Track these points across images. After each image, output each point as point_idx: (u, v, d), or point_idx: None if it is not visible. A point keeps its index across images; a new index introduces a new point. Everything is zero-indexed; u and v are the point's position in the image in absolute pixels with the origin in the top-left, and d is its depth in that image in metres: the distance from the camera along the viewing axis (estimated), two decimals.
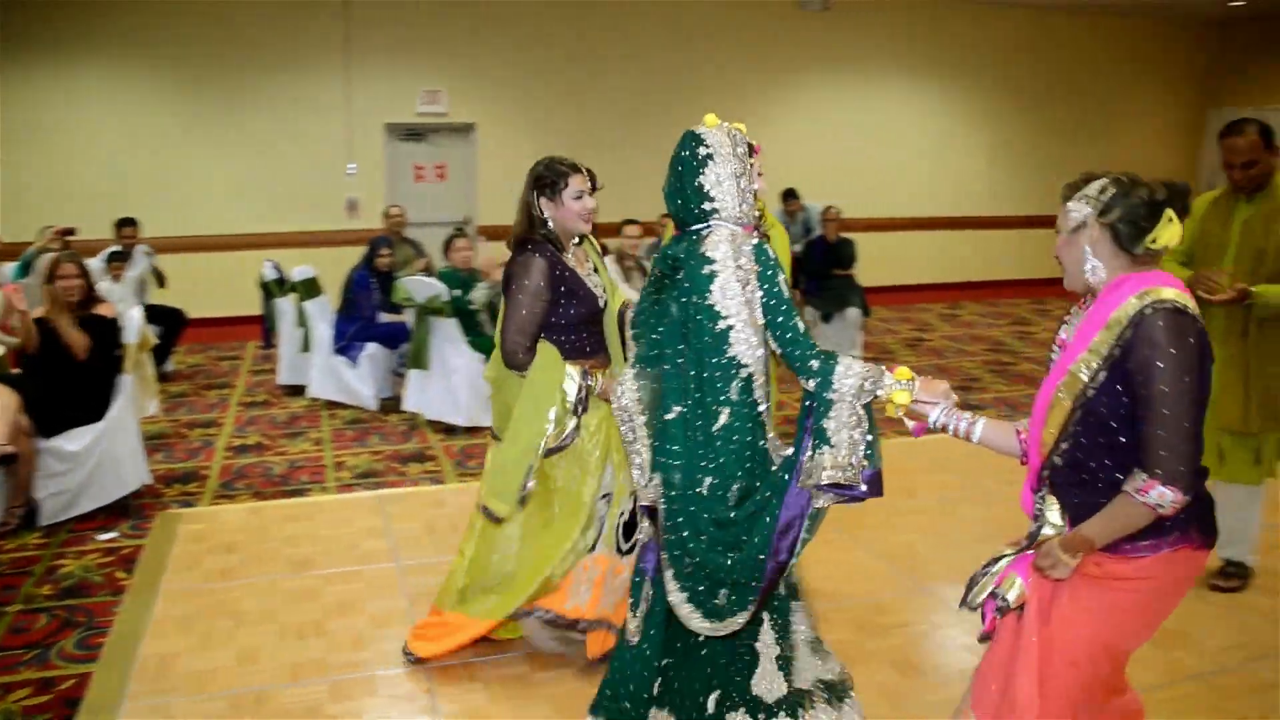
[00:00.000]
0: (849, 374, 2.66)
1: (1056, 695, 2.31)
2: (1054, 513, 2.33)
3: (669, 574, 2.81)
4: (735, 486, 2.75)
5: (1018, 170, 13.35)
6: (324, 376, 7.59)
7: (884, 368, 2.70)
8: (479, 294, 6.92)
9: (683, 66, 11.58)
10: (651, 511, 2.83)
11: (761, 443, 2.79)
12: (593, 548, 3.58)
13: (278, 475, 6.02)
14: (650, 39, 11.41)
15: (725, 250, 2.71)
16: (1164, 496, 2.14)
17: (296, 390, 7.86)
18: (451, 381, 6.79)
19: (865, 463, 2.68)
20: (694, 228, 2.83)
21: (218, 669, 3.77)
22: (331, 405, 7.54)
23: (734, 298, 2.68)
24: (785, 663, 2.94)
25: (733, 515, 2.74)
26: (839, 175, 12.12)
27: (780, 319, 2.71)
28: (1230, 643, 3.98)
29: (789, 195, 10.18)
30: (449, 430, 6.84)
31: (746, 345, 2.69)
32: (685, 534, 2.75)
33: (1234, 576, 4.42)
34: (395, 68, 10.49)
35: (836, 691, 3.04)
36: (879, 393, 2.67)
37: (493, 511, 3.58)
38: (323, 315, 7.76)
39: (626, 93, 11.37)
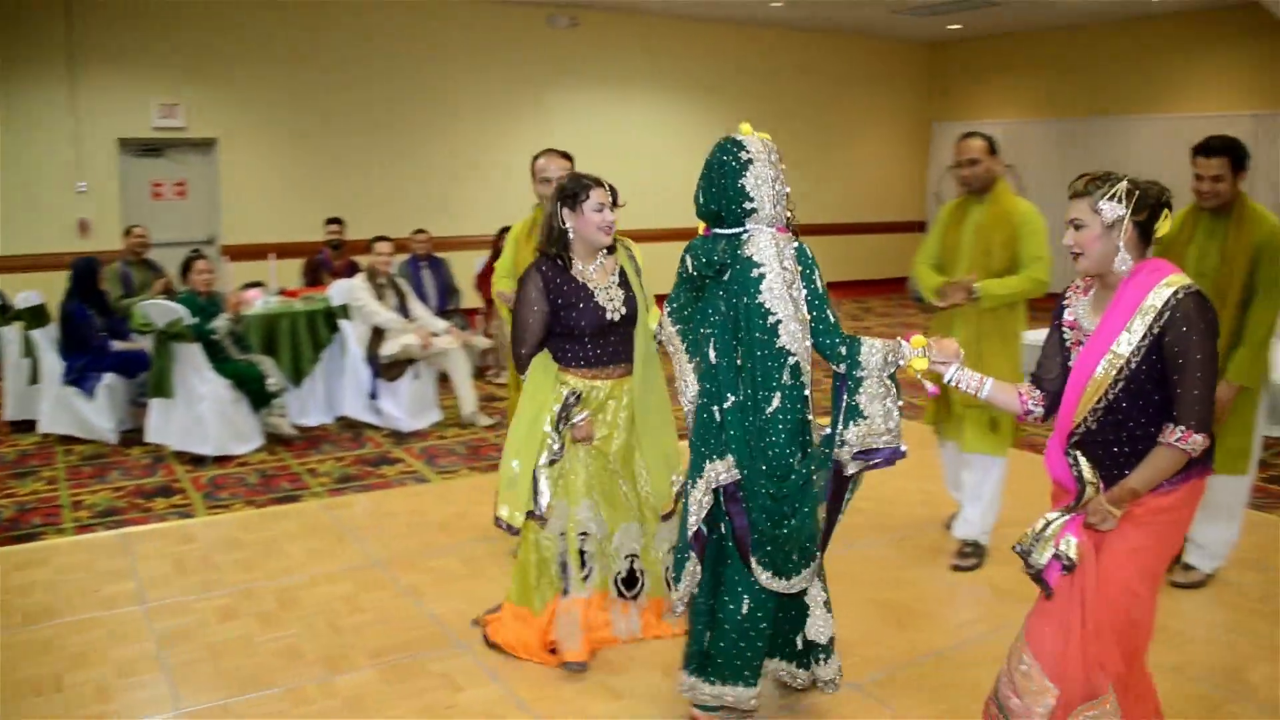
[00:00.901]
0: (873, 352, 3.11)
1: (1128, 618, 2.75)
2: (1088, 469, 2.72)
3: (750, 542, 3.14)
4: (788, 463, 3.08)
5: None
6: (56, 410, 7.13)
7: (900, 339, 3.11)
8: (220, 324, 6.68)
9: (435, 80, 11.52)
10: (730, 490, 3.13)
11: (808, 421, 3.14)
12: (565, 590, 3.84)
13: (6, 519, 5.62)
14: (401, 52, 11.29)
15: (770, 253, 3.08)
16: (1196, 442, 2.62)
17: (25, 426, 7.35)
18: (198, 410, 6.53)
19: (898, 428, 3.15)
20: (732, 230, 3.16)
21: None
22: (66, 440, 7.10)
23: (780, 296, 3.05)
24: (829, 606, 3.37)
25: (785, 490, 3.07)
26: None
27: (817, 313, 3.13)
28: (971, 617, 4.32)
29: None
30: (197, 461, 6.58)
31: (792, 337, 3.06)
32: (750, 506, 3.10)
33: (971, 555, 4.83)
34: (127, 79, 9.95)
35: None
36: (900, 362, 3.10)
37: (509, 524, 3.78)
38: (52, 344, 7.28)
39: (377, 107, 11.20)
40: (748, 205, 3.12)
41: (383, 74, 11.21)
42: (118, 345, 7.29)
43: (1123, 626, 2.75)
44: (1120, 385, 2.69)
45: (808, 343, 3.11)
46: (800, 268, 3.13)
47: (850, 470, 3.17)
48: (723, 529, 3.23)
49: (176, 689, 3.75)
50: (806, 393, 3.13)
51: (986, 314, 4.54)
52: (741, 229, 3.15)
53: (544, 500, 3.71)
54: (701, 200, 3.24)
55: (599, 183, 3.74)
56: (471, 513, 5.62)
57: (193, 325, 6.53)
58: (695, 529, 3.20)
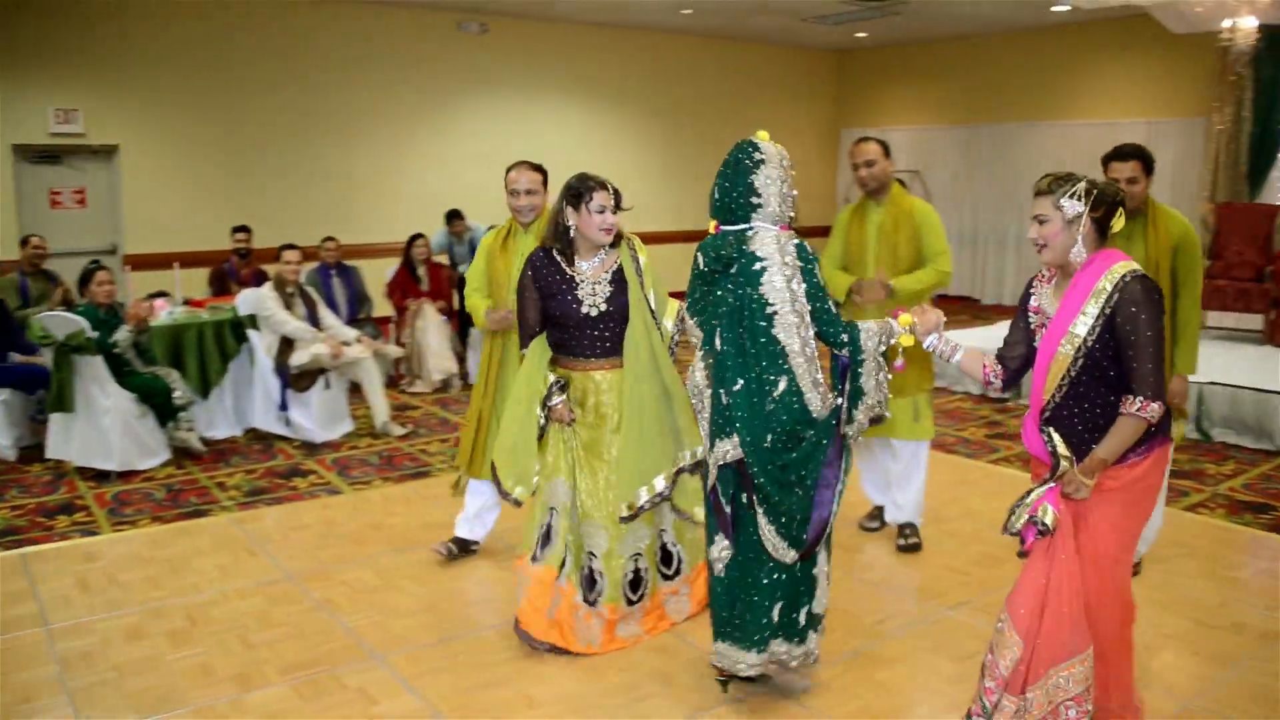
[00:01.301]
0: (869, 336, 3.40)
1: (1112, 583, 3.02)
2: (1060, 443, 2.97)
3: (760, 514, 3.37)
4: (796, 434, 3.36)
5: (677, 188, 14.01)
6: None
7: (889, 319, 3.42)
8: (121, 336, 6.51)
9: (343, 86, 11.37)
10: (738, 467, 3.38)
11: (815, 400, 3.37)
12: (534, 557, 4.04)
13: None
14: (309, 58, 11.13)
15: (772, 249, 3.34)
16: (1154, 410, 2.87)
17: None
18: (101, 424, 6.36)
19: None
20: (738, 226, 3.43)
21: None
22: None
23: (780, 289, 3.31)
24: (828, 580, 3.65)
25: (795, 456, 3.34)
26: (503, 195, 12.24)
27: (817, 305, 3.37)
28: (884, 617, 4.39)
29: (453, 216, 10.18)
30: (101, 476, 6.41)
31: (786, 328, 3.31)
32: (762, 480, 3.33)
33: (913, 535, 5.15)
34: (21, 84, 9.64)
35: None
36: (891, 340, 3.41)
37: (513, 496, 4.08)
38: None
39: (285, 113, 11.03)
40: (754, 201, 3.41)
41: (291, 80, 11.04)
42: (16, 358, 7.08)
43: (1113, 591, 3.03)
44: (1080, 363, 2.94)
45: (808, 332, 3.35)
46: (800, 263, 3.36)
47: (851, 437, 3.46)
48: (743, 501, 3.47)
49: (80, 713, 3.66)
50: (818, 375, 3.38)
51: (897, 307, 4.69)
52: (748, 225, 3.42)
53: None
54: (716, 196, 3.51)
55: (603, 185, 3.91)
56: (385, 524, 5.57)
57: (94, 338, 6.36)
58: (722, 511, 3.45)
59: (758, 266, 3.33)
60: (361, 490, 6.22)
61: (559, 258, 3.95)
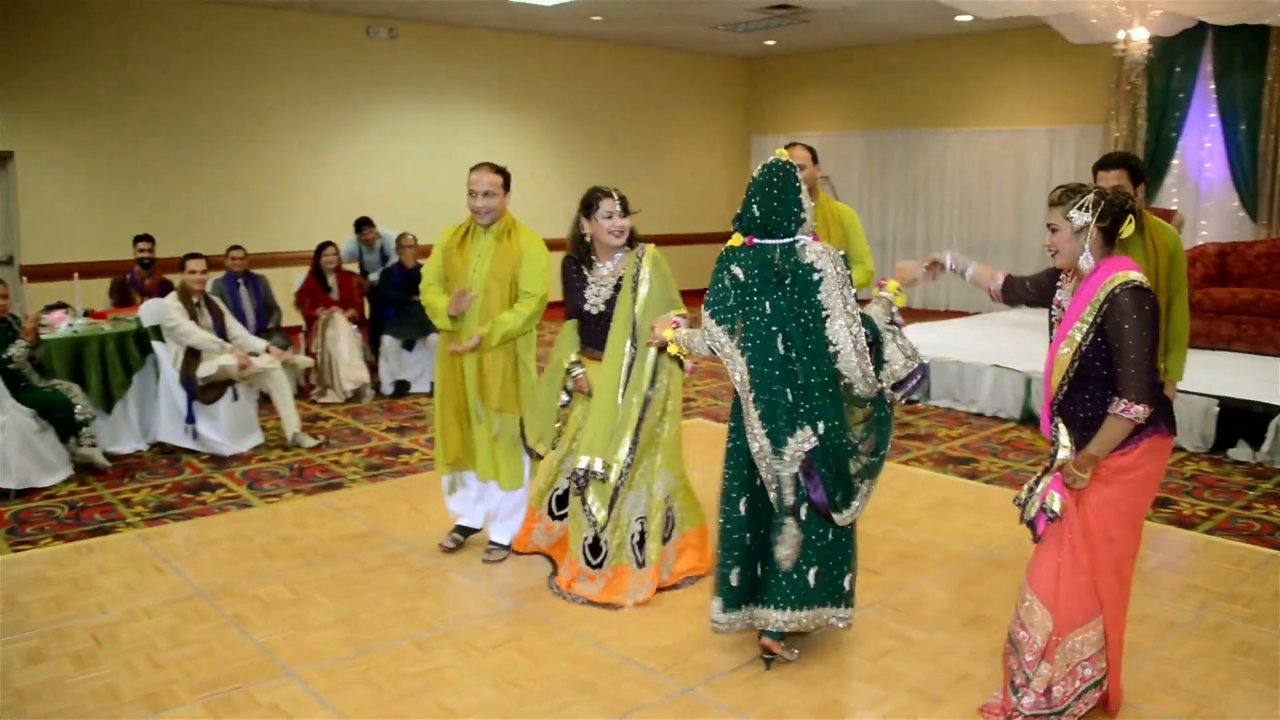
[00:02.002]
0: (876, 317, 3.79)
1: (1109, 559, 3.33)
2: (1064, 435, 3.34)
3: (828, 494, 3.71)
4: (858, 413, 3.81)
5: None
6: None
7: (881, 293, 3.88)
8: (16, 351, 6.31)
9: (251, 90, 11.19)
10: (806, 462, 3.69)
11: (863, 387, 3.72)
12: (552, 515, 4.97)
13: None
14: (214, 62, 10.92)
15: (826, 261, 3.66)
16: (1138, 412, 3.15)
17: None
18: None
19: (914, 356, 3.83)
20: (782, 240, 3.71)
21: None
22: None
23: (834, 295, 3.63)
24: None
25: (858, 434, 3.78)
26: (414, 201, 12.18)
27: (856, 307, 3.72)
28: None
29: (363, 224, 10.05)
30: None
31: (840, 329, 3.64)
32: (826, 460, 3.69)
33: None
34: None
35: None
36: (894, 309, 3.85)
37: (536, 451, 4.86)
38: None
39: (189, 119, 10.81)
40: (802, 216, 3.72)
41: (194, 84, 10.83)
42: None
43: (1110, 565, 3.34)
44: (1076, 364, 3.28)
45: (859, 329, 3.67)
46: (847, 271, 3.71)
47: (892, 399, 3.82)
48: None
49: None
50: (868, 367, 3.70)
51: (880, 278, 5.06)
52: (794, 239, 3.71)
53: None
54: (758, 214, 3.72)
55: (609, 194, 4.46)
56: (297, 536, 5.48)
57: None
58: (792, 500, 3.73)
59: (815, 277, 3.65)
60: (272, 503, 6.11)
61: (581, 261, 4.60)
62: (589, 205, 4.49)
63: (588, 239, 4.54)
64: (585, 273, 4.59)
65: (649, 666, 4.00)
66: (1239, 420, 6.96)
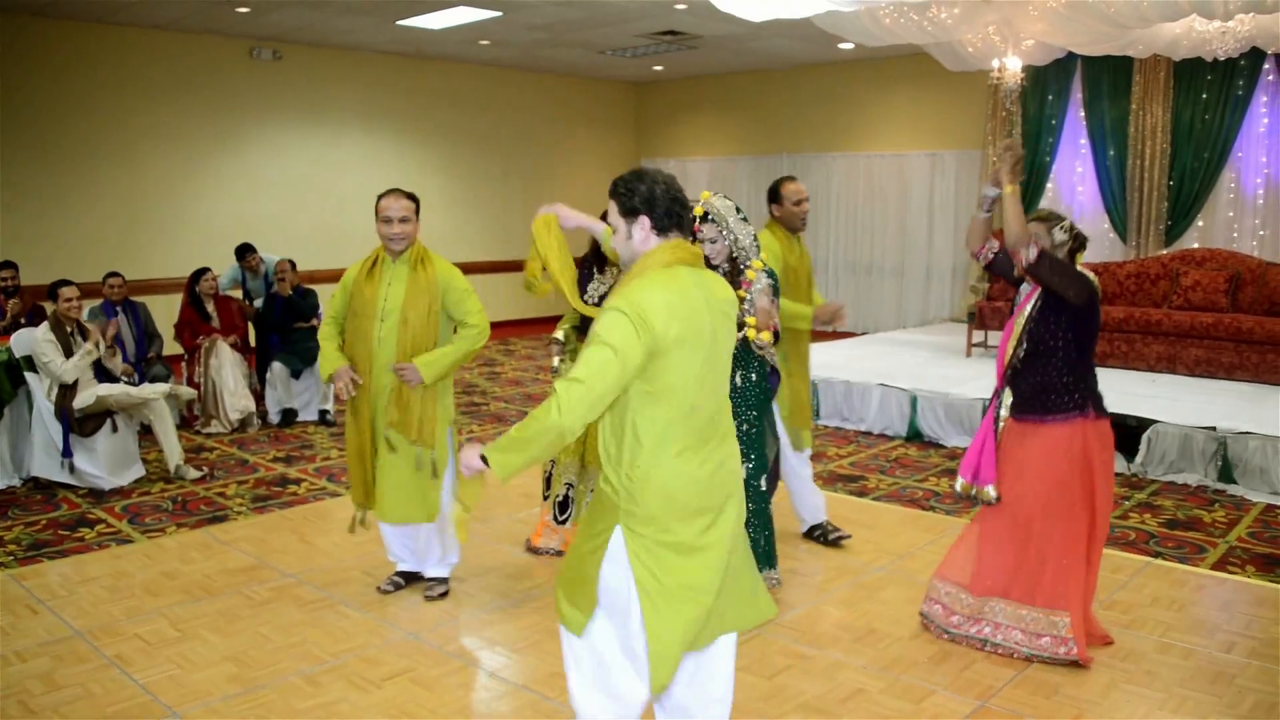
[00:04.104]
0: None
1: (1026, 532, 4.15)
2: (1009, 399, 4.18)
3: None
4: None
5: (481, 217, 13.98)
6: None
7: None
8: None
9: (127, 111, 10.89)
10: None
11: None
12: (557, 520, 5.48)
13: None
14: (89, 80, 10.59)
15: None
16: (1028, 254, 3.93)
17: None
18: None
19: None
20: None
21: None
22: None
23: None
24: None
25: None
26: (299, 225, 11.99)
27: None
28: None
29: (246, 250, 9.82)
30: None
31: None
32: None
33: (836, 531, 5.67)
34: None
35: None
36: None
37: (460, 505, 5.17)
38: None
39: (61, 139, 10.47)
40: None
41: (67, 103, 10.49)
42: None
43: (1032, 520, 4.12)
44: (1026, 336, 4.10)
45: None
46: None
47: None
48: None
49: None
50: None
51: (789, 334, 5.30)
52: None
53: None
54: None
55: None
56: (181, 571, 5.32)
57: None
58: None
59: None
60: (155, 538, 5.92)
61: (594, 262, 5.18)
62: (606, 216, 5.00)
63: (601, 247, 4.85)
64: (594, 272, 5.18)
65: (544, 694, 3.98)
66: (1115, 433, 7.16)
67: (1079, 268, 4.08)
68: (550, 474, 5.49)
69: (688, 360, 2.72)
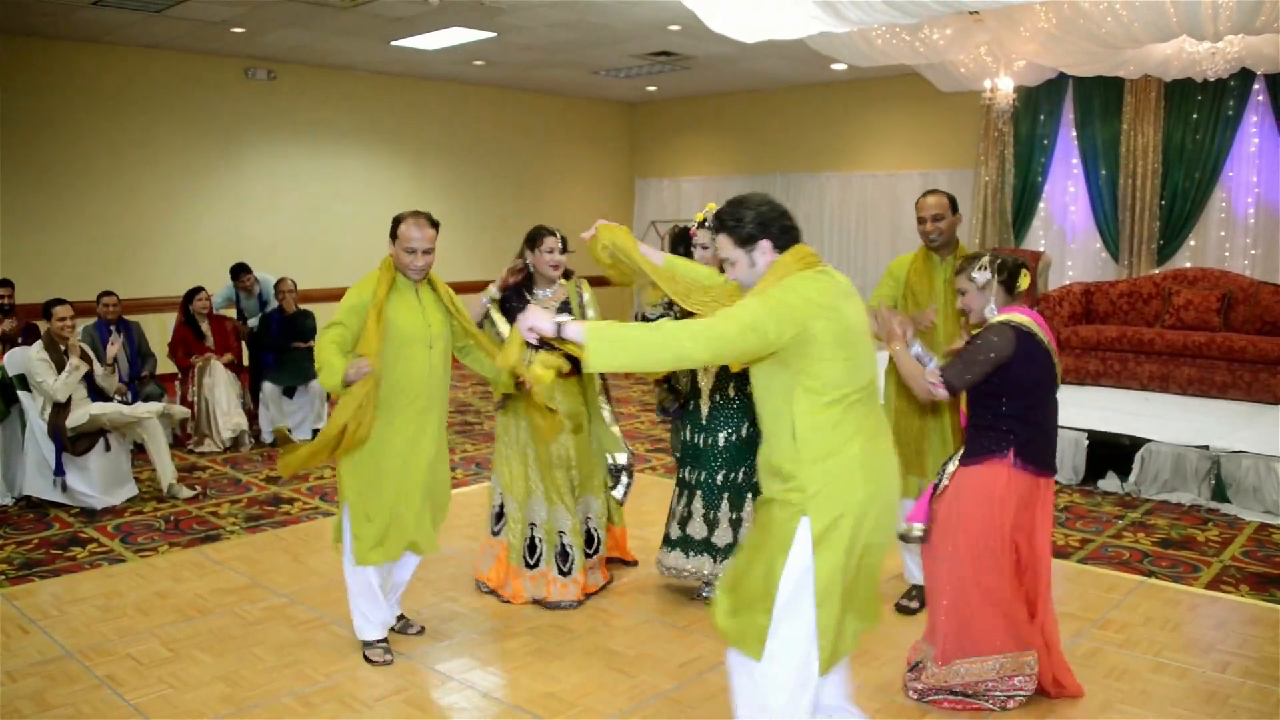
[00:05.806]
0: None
1: (956, 558, 3.87)
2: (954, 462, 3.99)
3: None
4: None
5: (475, 236, 13.98)
6: None
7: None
8: None
9: (122, 131, 10.88)
10: None
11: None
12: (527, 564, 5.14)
13: None
14: (84, 99, 10.59)
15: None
16: (939, 392, 3.76)
17: None
18: None
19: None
20: None
21: None
22: None
23: None
24: None
25: None
26: (294, 245, 11.98)
27: None
28: (687, 659, 4.45)
29: (240, 270, 9.82)
30: None
31: None
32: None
33: (915, 598, 4.97)
34: None
35: None
36: None
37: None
38: None
39: (56, 159, 10.46)
40: None
41: (62, 123, 10.48)
42: None
43: (966, 574, 3.85)
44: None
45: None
46: None
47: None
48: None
49: None
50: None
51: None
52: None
53: None
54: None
55: (552, 232, 5.06)
56: (173, 591, 5.30)
57: None
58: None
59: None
60: (147, 557, 5.90)
61: (522, 287, 5.08)
62: (534, 239, 5.04)
63: (530, 269, 5.08)
64: (526, 297, 5.10)
65: (537, 714, 3.97)
66: (1108, 452, 7.24)
67: (1007, 313, 3.81)
68: (501, 509, 5.14)
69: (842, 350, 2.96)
